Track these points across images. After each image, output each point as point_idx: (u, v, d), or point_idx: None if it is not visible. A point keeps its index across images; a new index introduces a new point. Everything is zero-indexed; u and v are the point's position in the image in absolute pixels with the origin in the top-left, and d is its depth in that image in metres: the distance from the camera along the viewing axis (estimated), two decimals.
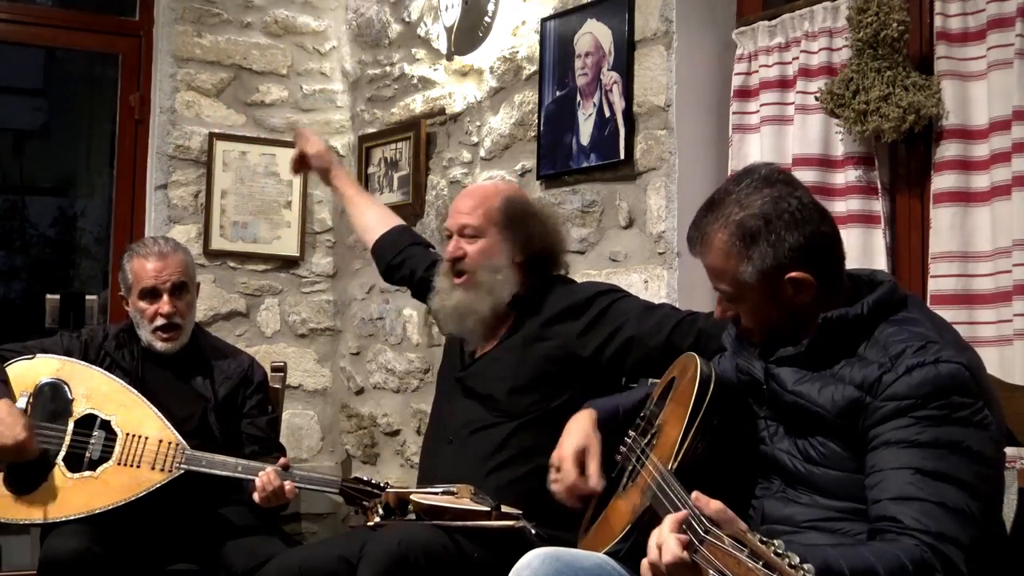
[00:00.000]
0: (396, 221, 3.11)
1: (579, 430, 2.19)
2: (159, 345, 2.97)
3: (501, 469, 2.51)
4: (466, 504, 2.34)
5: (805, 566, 1.34)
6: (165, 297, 2.95)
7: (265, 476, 2.71)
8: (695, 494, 1.56)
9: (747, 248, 1.79)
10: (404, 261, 2.98)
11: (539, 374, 2.56)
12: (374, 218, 3.11)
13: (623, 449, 2.13)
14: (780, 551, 1.36)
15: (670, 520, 1.55)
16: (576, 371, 2.54)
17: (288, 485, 2.70)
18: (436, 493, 2.38)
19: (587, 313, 2.58)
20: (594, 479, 2.11)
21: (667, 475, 1.77)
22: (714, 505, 1.53)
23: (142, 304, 2.97)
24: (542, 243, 2.69)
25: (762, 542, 1.39)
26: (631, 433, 2.14)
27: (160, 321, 2.95)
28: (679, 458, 1.83)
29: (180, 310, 2.98)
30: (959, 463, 1.63)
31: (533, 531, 2.30)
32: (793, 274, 1.79)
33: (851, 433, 1.74)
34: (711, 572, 1.47)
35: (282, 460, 2.80)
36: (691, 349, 2.18)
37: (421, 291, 2.91)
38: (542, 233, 2.70)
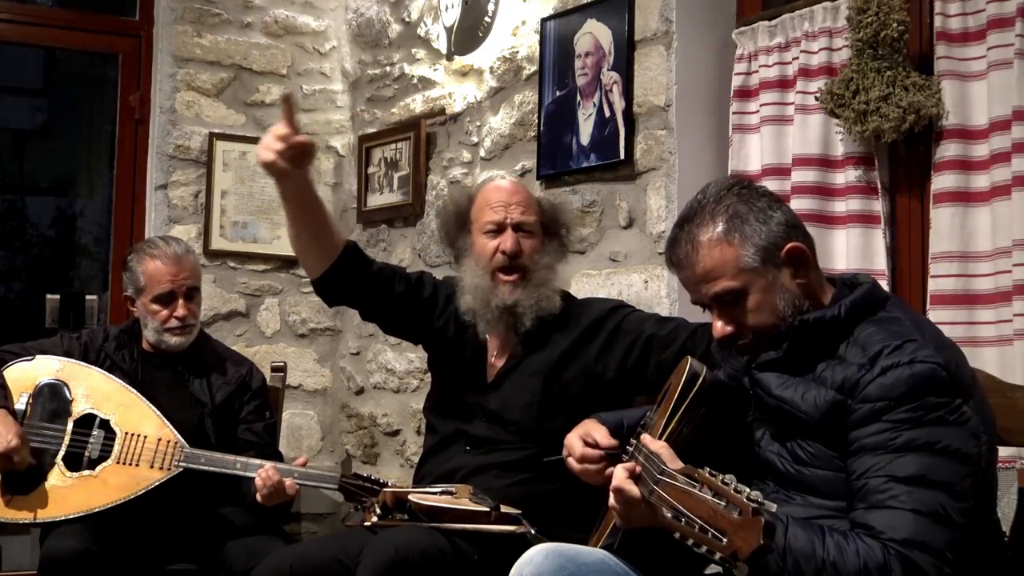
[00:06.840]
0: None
1: (581, 425, 2.21)
2: (173, 340, 2.98)
3: (524, 487, 2.48)
4: (465, 504, 2.33)
5: (753, 494, 1.42)
6: (180, 301, 2.97)
7: (264, 472, 2.69)
8: (643, 436, 1.77)
9: (741, 229, 1.82)
10: (381, 270, 2.69)
11: (566, 400, 2.52)
12: (331, 229, 2.64)
13: (624, 457, 2.12)
14: (727, 482, 1.46)
15: (621, 468, 1.71)
16: (602, 394, 2.49)
17: (288, 481, 2.69)
18: (435, 493, 2.37)
19: (601, 332, 2.57)
20: (604, 440, 2.12)
21: (651, 452, 1.77)
22: (656, 444, 1.73)
23: (155, 307, 2.97)
24: (566, 248, 2.70)
25: (711, 474, 1.49)
26: (632, 441, 2.14)
27: (174, 323, 2.97)
28: (663, 437, 1.86)
29: (193, 312, 3.01)
30: (936, 464, 1.63)
31: (532, 532, 2.29)
32: (789, 245, 1.82)
33: (837, 434, 1.74)
34: (665, 510, 1.55)
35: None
36: (702, 358, 2.18)
37: (401, 298, 2.67)
38: (566, 237, 2.69)
